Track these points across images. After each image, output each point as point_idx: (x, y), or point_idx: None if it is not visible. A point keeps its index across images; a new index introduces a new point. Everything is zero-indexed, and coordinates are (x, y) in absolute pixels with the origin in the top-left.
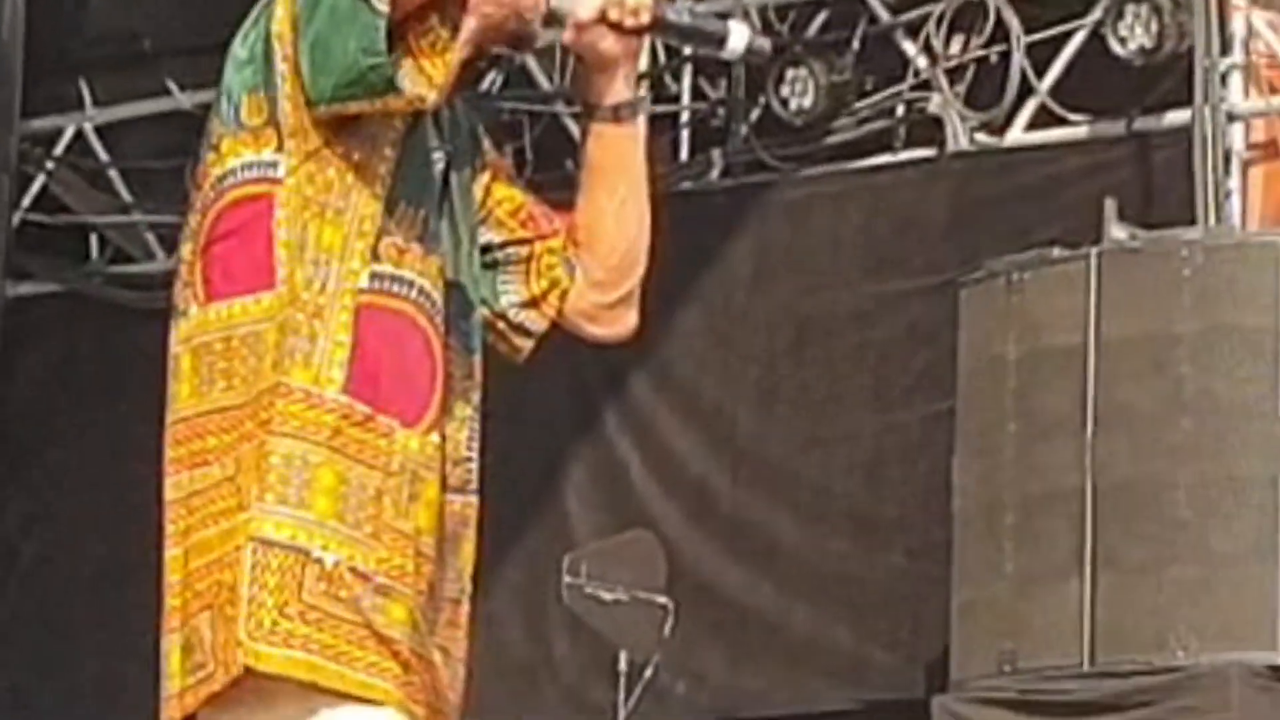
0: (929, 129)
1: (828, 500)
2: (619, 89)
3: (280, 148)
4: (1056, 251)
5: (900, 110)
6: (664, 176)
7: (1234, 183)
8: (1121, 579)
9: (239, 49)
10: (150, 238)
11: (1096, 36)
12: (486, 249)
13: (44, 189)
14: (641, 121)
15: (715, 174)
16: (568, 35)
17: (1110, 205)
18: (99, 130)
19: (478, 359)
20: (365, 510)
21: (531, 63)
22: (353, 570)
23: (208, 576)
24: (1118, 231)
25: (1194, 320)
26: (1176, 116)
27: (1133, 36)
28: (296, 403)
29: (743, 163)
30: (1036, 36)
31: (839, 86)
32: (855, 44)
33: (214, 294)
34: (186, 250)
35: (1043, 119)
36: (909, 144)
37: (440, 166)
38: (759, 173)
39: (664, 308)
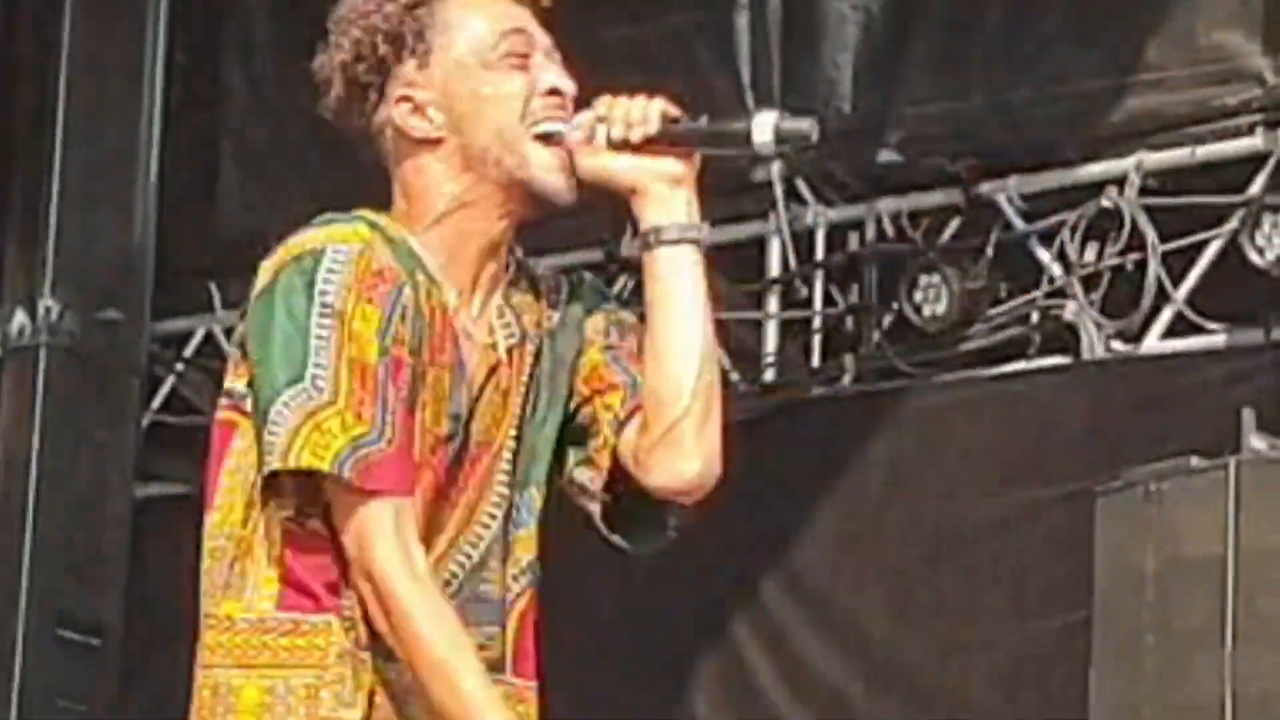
0: (1064, 336)
1: (964, 710)
2: (651, 213)
3: (251, 382)
4: (1195, 461)
5: (1035, 317)
6: (797, 383)
7: None
8: None
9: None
10: None
11: (1234, 245)
12: (571, 419)
13: (173, 390)
14: (686, 250)
15: (848, 380)
16: (577, 168)
17: (1249, 415)
18: (228, 332)
19: (523, 533)
20: (297, 713)
21: None
22: None
23: None
24: (1257, 441)
25: None
26: None
27: (1270, 246)
28: (223, 632)
29: (876, 369)
30: (1172, 245)
31: (973, 293)
32: (989, 251)
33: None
34: None
35: (1179, 327)
36: (1043, 351)
37: (500, 353)
38: (892, 379)
39: (796, 514)
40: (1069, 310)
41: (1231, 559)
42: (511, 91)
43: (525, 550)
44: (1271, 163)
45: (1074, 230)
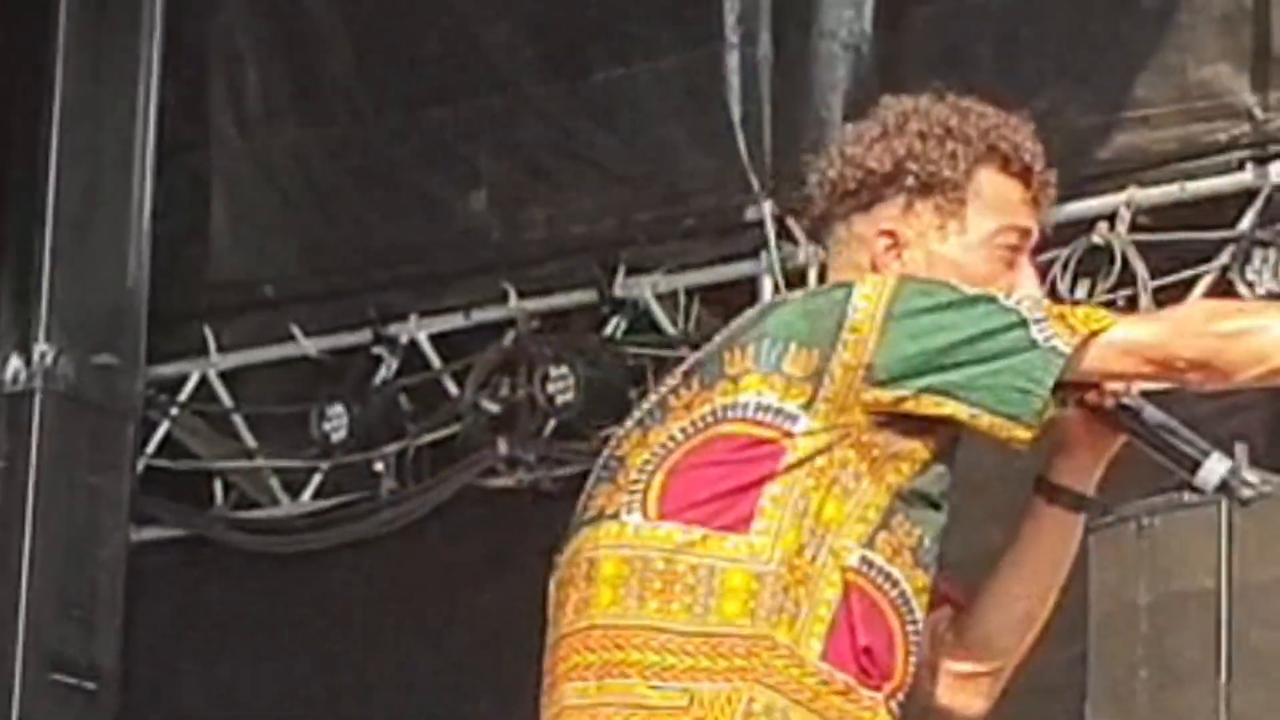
0: None
1: None
2: (1064, 468)
3: (809, 406)
4: (1187, 496)
5: None
6: None
7: None
8: None
9: (803, 301)
10: (274, 483)
11: (1224, 281)
12: None
13: (168, 435)
14: (1077, 523)
15: None
16: None
17: (1241, 449)
18: (223, 376)
19: None
20: None
21: (655, 308)
22: None
23: None
24: (1250, 476)
25: None
26: None
27: (1260, 281)
28: (782, 658)
29: None
30: (1164, 280)
31: None
32: None
33: (667, 513)
34: (632, 456)
35: None
36: None
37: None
38: None
39: None
40: None
41: (1225, 593)
42: (989, 281)
43: None
44: (1261, 198)
45: (1065, 267)
